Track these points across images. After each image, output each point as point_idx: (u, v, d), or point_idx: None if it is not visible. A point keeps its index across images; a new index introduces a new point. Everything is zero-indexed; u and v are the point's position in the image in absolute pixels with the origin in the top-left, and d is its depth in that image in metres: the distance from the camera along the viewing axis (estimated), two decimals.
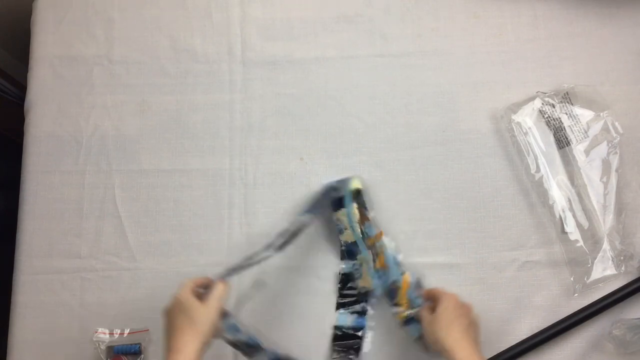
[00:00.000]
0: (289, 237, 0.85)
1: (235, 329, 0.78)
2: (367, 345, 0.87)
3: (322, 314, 0.91)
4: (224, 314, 0.77)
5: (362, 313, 0.89)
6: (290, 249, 0.92)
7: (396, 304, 0.84)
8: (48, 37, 1.03)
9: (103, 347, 0.88)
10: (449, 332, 0.73)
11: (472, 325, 0.76)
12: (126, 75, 1.01)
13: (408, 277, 0.84)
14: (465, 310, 0.77)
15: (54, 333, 0.91)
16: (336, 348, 0.88)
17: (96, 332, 0.90)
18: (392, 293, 0.85)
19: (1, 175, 1.21)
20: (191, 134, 0.98)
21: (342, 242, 0.91)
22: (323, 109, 1.00)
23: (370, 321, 0.88)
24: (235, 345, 0.79)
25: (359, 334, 0.88)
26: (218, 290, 0.75)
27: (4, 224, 1.05)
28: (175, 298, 0.74)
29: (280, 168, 0.97)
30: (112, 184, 0.96)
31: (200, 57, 1.02)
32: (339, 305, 0.90)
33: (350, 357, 0.87)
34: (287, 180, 0.96)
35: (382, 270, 0.86)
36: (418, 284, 0.85)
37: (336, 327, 0.89)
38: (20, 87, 1.25)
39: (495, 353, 0.88)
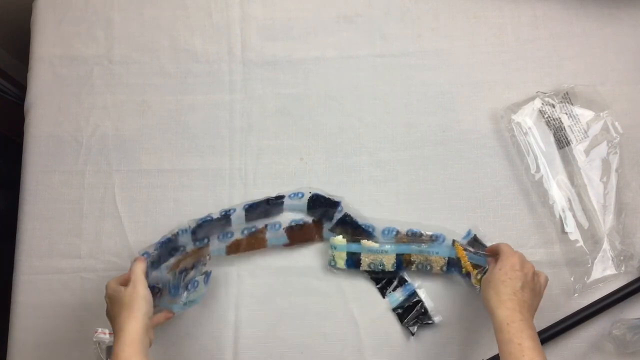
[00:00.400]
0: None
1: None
2: (429, 303, 0.90)
3: (323, 314, 0.91)
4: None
5: (402, 282, 0.91)
6: (289, 249, 0.92)
7: (467, 273, 0.86)
8: (48, 37, 1.03)
9: (103, 347, 0.88)
10: (497, 292, 0.73)
11: (526, 289, 0.74)
12: (126, 75, 1.01)
13: (459, 246, 0.87)
14: (522, 273, 0.75)
15: (54, 333, 0.91)
16: (410, 323, 0.89)
17: (96, 332, 0.89)
18: (456, 266, 0.89)
19: (1, 175, 1.21)
20: (191, 134, 0.98)
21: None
22: (323, 109, 1.00)
23: (414, 283, 0.91)
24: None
25: (416, 299, 0.90)
26: (135, 266, 0.79)
27: (4, 224, 1.05)
28: (106, 297, 0.78)
29: (280, 168, 0.97)
30: (112, 184, 0.96)
31: (200, 57, 1.02)
32: (381, 291, 0.92)
33: (429, 322, 0.89)
34: (287, 180, 0.96)
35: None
36: (475, 242, 0.90)
37: (394, 310, 0.91)
38: (20, 87, 1.25)
39: (495, 353, 0.88)
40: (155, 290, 0.85)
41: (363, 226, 0.92)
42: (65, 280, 0.93)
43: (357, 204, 0.94)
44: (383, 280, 0.92)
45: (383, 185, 0.96)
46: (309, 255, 0.93)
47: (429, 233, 0.91)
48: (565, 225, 0.92)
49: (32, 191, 0.96)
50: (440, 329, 0.90)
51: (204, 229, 0.91)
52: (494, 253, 0.82)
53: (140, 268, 0.79)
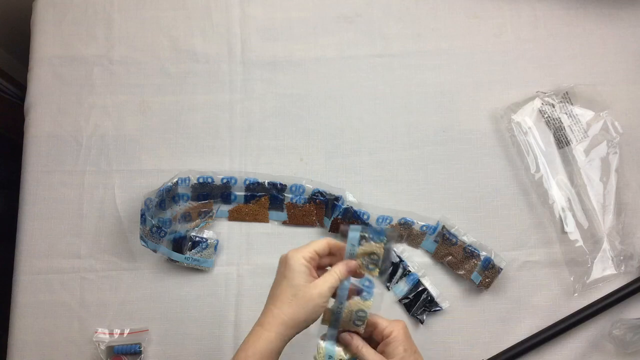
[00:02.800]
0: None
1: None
2: (435, 290, 0.91)
3: None
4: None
5: (406, 272, 0.91)
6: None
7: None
8: (48, 37, 1.03)
9: (103, 347, 0.88)
10: None
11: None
12: (126, 75, 1.01)
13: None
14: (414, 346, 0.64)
15: (54, 333, 0.91)
16: (418, 312, 0.90)
17: (96, 332, 0.90)
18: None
19: (1, 175, 1.21)
20: (191, 134, 0.98)
21: None
22: (323, 109, 1.00)
23: (418, 272, 0.92)
24: None
25: (421, 288, 0.91)
26: (333, 272, 0.63)
27: (4, 224, 1.05)
28: (282, 265, 0.63)
29: (280, 168, 0.97)
30: (112, 184, 0.96)
31: (200, 57, 1.02)
32: (387, 282, 0.92)
33: (437, 308, 0.90)
34: (287, 180, 0.96)
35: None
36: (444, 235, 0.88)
37: (401, 300, 0.91)
38: (20, 87, 1.26)
39: (495, 353, 0.88)
40: (161, 233, 0.87)
41: (358, 213, 0.92)
42: (65, 280, 0.93)
43: (357, 204, 0.94)
44: (388, 269, 0.92)
45: (383, 185, 0.96)
46: None
47: (420, 223, 0.92)
48: (565, 225, 0.92)
49: (32, 191, 0.96)
50: (448, 315, 0.91)
51: (205, 187, 0.93)
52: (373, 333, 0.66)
53: (333, 279, 0.62)
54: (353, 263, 0.65)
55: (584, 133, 0.96)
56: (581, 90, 0.97)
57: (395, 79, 1.01)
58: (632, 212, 0.94)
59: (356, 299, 0.64)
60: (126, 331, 0.90)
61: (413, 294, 0.90)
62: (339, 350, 0.65)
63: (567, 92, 0.97)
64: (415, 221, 0.93)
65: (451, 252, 0.91)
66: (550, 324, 0.89)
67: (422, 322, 0.90)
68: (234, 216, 0.94)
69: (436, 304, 0.90)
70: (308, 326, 0.62)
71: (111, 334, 0.90)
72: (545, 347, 0.89)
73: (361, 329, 0.65)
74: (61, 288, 0.92)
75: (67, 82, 1.01)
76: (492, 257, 0.90)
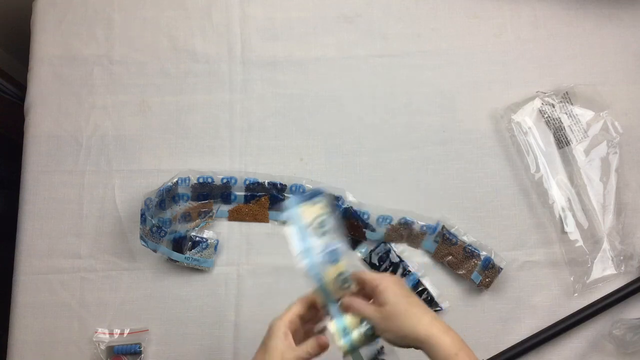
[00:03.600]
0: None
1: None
2: (435, 290, 0.91)
3: None
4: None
5: (406, 272, 0.92)
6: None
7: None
8: (48, 37, 1.03)
9: (103, 347, 0.88)
10: (416, 319, 0.61)
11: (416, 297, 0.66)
12: (126, 75, 1.01)
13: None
14: (406, 285, 0.67)
15: (54, 333, 0.91)
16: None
17: (96, 332, 0.90)
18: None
19: (1, 175, 1.21)
20: (191, 134, 0.98)
21: None
22: (323, 109, 1.00)
23: (418, 271, 0.92)
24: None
25: (421, 288, 0.91)
26: (281, 319, 0.65)
27: (4, 224, 1.05)
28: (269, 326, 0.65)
29: (280, 168, 0.97)
30: (112, 184, 0.96)
31: (200, 57, 1.02)
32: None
33: (437, 309, 0.90)
34: (287, 180, 0.96)
35: None
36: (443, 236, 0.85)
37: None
38: (20, 87, 1.25)
39: (495, 353, 0.88)
40: (161, 233, 0.87)
41: (358, 213, 0.92)
42: (65, 280, 0.93)
43: (357, 204, 0.94)
44: (387, 271, 0.92)
45: (383, 185, 0.96)
46: None
47: (421, 223, 0.92)
48: (565, 225, 0.92)
49: (32, 191, 0.96)
50: (448, 315, 0.91)
51: (205, 187, 0.93)
52: (362, 288, 0.67)
53: (283, 324, 0.64)
54: (322, 338, 0.64)
55: (584, 133, 0.95)
56: (581, 90, 0.97)
57: (395, 79, 1.01)
58: (632, 212, 0.94)
59: (329, 267, 0.66)
60: (126, 331, 0.90)
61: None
62: (347, 318, 0.66)
63: (567, 92, 0.97)
64: (415, 220, 0.93)
65: (451, 252, 0.91)
66: (550, 324, 0.89)
67: None
68: (234, 216, 0.94)
69: (436, 304, 0.90)
70: None
71: (111, 334, 0.90)
72: (545, 347, 0.89)
73: (352, 287, 0.67)
74: (61, 288, 0.92)
75: (67, 82, 1.01)
76: (492, 257, 0.90)
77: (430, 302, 0.90)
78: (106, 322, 0.91)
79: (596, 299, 0.89)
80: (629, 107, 0.98)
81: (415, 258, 0.93)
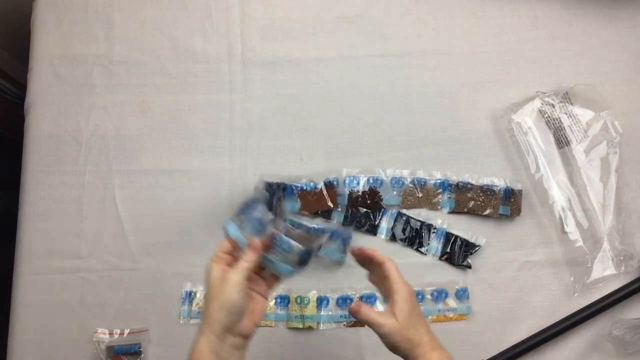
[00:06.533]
0: None
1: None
2: (465, 234, 0.93)
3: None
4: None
5: (431, 230, 0.93)
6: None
7: None
8: (48, 37, 1.03)
9: (103, 347, 0.88)
10: (418, 337, 0.63)
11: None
12: (126, 75, 1.01)
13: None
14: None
15: (54, 333, 0.91)
16: (460, 260, 0.92)
17: (96, 332, 0.90)
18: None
19: (1, 175, 1.21)
20: (191, 134, 0.98)
21: None
22: (323, 109, 1.00)
23: (443, 225, 0.94)
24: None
25: (453, 237, 0.93)
26: (244, 258, 0.62)
27: (4, 224, 1.05)
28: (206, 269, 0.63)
29: (280, 168, 0.97)
30: (112, 184, 0.96)
31: (200, 57, 1.02)
32: (418, 249, 0.93)
33: (476, 248, 0.92)
34: (286, 180, 0.96)
35: None
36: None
37: (440, 258, 0.93)
38: (20, 87, 1.25)
39: (495, 353, 0.88)
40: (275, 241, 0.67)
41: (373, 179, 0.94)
42: (65, 280, 0.93)
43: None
44: (413, 240, 0.93)
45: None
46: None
47: (432, 181, 0.94)
48: (565, 225, 0.92)
49: (32, 191, 0.96)
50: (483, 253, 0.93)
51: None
52: (372, 262, 0.68)
53: (244, 264, 0.61)
54: (255, 241, 0.63)
55: (584, 133, 0.95)
56: (581, 90, 0.97)
57: (395, 79, 1.01)
58: (632, 212, 0.94)
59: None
60: (126, 331, 0.90)
61: (448, 248, 0.92)
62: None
63: (567, 92, 0.97)
64: (427, 179, 0.94)
65: (472, 197, 0.93)
66: (550, 324, 0.89)
67: (469, 267, 0.91)
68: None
69: (473, 245, 0.92)
70: (241, 317, 0.61)
71: (111, 334, 0.90)
72: (545, 347, 0.89)
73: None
74: (61, 288, 0.92)
75: (67, 82, 1.01)
76: (508, 184, 0.93)
77: (467, 245, 0.92)
78: (106, 322, 0.91)
79: (596, 299, 0.89)
80: (629, 107, 0.98)
81: (439, 220, 0.94)
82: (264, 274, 0.67)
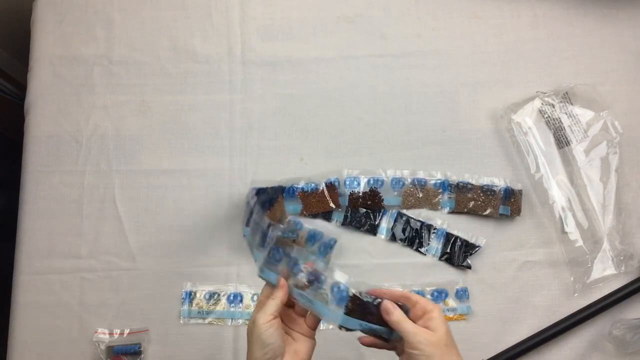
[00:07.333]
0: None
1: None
2: (465, 235, 0.93)
3: None
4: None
5: (431, 230, 0.93)
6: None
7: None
8: (48, 37, 1.03)
9: (103, 347, 0.88)
10: (451, 354, 0.62)
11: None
12: (126, 75, 1.01)
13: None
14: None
15: (54, 333, 0.91)
16: (460, 260, 0.92)
17: (96, 332, 0.90)
18: None
19: (1, 175, 1.21)
20: (191, 134, 0.98)
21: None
22: (323, 109, 1.00)
23: (442, 226, 0.94)
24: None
25: (453, 238, 0.93)
26: (271, 297, 0.63)
27: (4, 224, 1.05)
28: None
29: (280, 168, 0.97)
30: (112, 184, 0.96)
31: (200, 57, 1.02)
32: (418, 249, 0.93)
33: (476, 249, 0.92)
34: (285, 182, 0.96)
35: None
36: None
37: (440, 258, 0.92)
38: (20, 87, 1.25)
39: (495, 353, 0.88)
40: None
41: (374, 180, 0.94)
42: (65, 280, 0.93)
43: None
44: (413, 240, 0.93)
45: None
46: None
47: (432, 182, 0.94)
48: (565, 225, 0.92)
49: (32, 191, 0.96)
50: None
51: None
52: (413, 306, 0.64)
53: (269, 302, 0.62)
54: (282, 280, 0.64)
55: (584, 133, 0.96)
56: (581, 90, 0.97)
57: (395, 79, 1.01)
58: (632, 212, 0.94)
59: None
60: (126, 331, 0.90)
61: (448, 248, 0.92)
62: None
63: (567, 92, 0.97)
64: (427, 179, 0.94)
65: (471, 197, 0.93)
66: (550, 324, 0.89)
67: (469, 267, 0.91)
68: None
69: (473, 246, 0.92)
70: (277, 354, 0.61)
71: (111, 334, 0.90)
72: (545, 347, 0.89)
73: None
74: (61, 288, 0.92)
75: (67, 82, 1.01)
76: (509, 184, 0.93)
77: (467, 245, 0.92)
78: (106, 322, 0.91)
79: (596, 299, 0.89)
80: (629, 107, 0.98)
81: (439, 220, 0.94)
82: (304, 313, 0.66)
